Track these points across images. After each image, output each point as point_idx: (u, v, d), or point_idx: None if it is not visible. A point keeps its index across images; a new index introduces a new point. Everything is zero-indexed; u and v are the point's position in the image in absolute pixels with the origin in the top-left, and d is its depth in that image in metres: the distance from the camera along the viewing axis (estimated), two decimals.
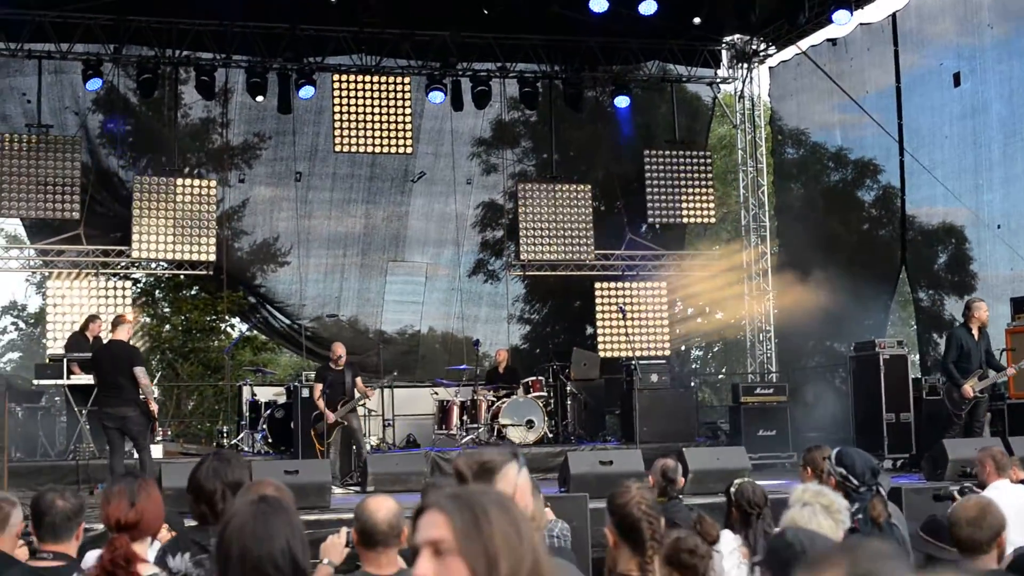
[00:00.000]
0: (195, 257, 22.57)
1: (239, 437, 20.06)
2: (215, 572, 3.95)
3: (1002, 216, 20.42)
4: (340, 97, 23.48)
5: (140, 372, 15.26)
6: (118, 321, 16.13)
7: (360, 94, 23.56)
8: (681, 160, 24.78)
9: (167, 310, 29.17)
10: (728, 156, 32.77)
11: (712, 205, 25.09)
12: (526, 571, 2.73)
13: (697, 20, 23.10)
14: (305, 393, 18.32)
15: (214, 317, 27.25)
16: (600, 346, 24.46)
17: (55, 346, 21.10)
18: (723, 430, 22.60)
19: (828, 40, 24.06)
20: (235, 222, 25.23)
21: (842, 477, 7.47)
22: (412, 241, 25.99)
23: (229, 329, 29.21)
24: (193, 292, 27.89)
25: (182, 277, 25.85)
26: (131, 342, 16.37)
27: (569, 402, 21.34)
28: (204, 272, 23.31)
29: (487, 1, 21.54)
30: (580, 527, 11.48)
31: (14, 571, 6.33)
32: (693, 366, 36.77)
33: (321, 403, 17.49)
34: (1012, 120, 20.26)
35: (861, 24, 23.24)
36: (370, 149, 23.89)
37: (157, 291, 29.13)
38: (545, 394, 20.66)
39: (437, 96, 23.44)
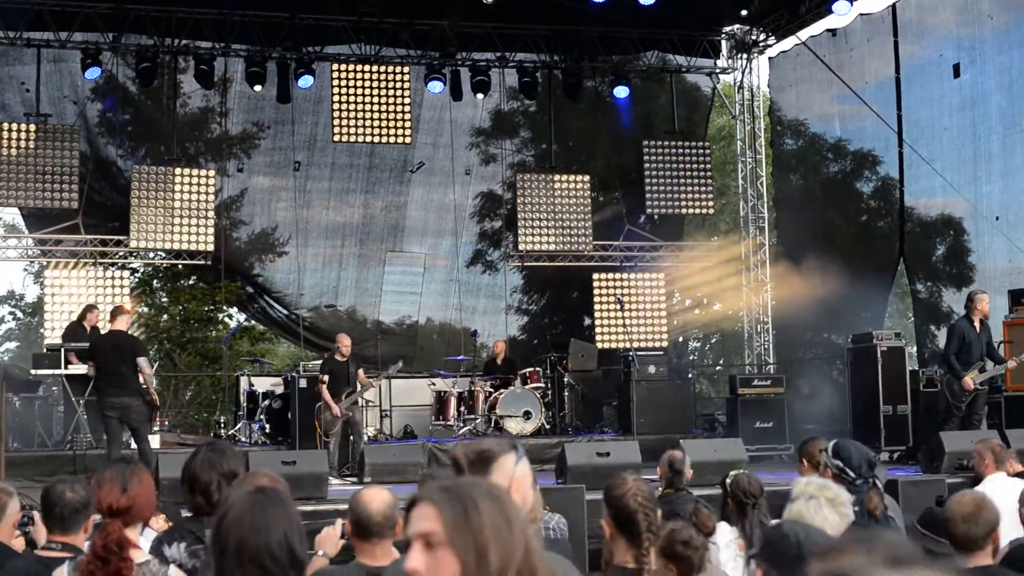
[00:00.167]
0: (193, 247, 22.56)
1: (237, 427, 20.03)
2: (211, 563, 3.94)
3: (1001, 208, 20.42)
4: (339, 87, 23.47)
5: (143, 362, 15.37)
6: (117, 311, 16.14)
7: (359, 84, 23.54)
8: (680, 151, 24.75)
9: (165, 300, 29.17)
10: (727, 147, 32.77)
11: (711, 196, 25.07)
12: (517, 562, 2.73)
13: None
14: (303, 384, 18.30)
15: (212, 307, 27.25)
16: (598, 337, 24.46)
17: (53, 336, 21.09)
18: (720, 422, 22.61)
19: (828, 31, 24.03)
20: (233, 212, 25.21)
21: (838, 469, 7.47)
22: (411, 231, 25.98)
23: (227, 319, 29.20)
24: (191, 282, 27.88)
25: (180, 267, 25.82)
26: (129, 332, 16.40)
27: (566, 393, 21.33)
28: (202, 262, 23.29)
29: None
30: (577, 518, 11.46)
31: (22, 561, 6.34)
32: (691, 358, 36.80)
33: (327, 396, 17.44)
34: (1012, 111, 20.25)
35: (861, 14, 23.22)
36: (369, 139, 23.87)
37: (155, 281, 29.11)
38: (542, 385, 20.67)
39: (436, 86, 23.43)
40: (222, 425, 20.77)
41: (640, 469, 13.82)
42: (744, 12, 23.66)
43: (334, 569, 6.12)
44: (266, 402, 19.78)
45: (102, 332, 17.70)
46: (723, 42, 25.66)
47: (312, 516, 11.02)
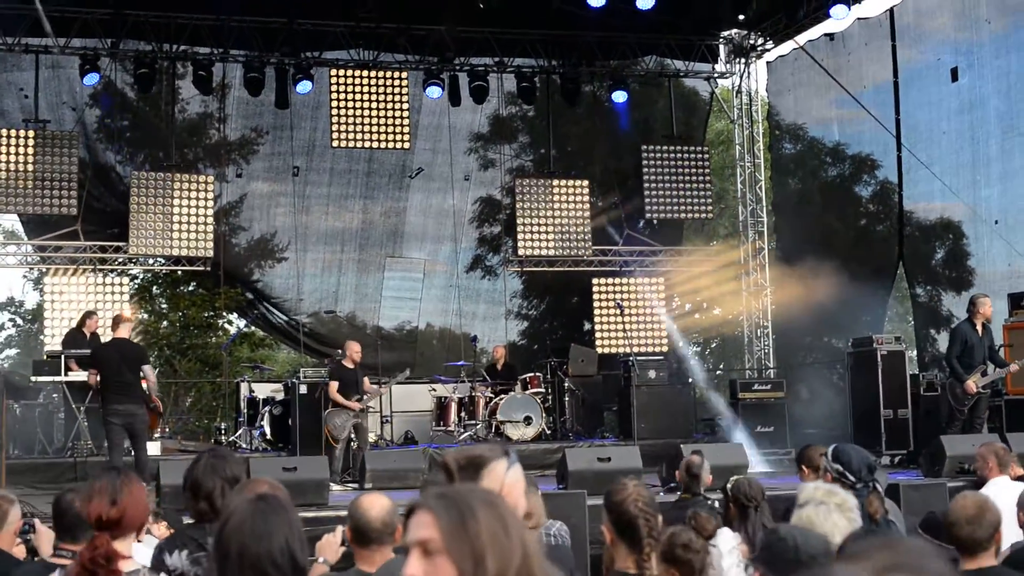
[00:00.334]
0: (192, 253, 22.54)
1: (237, 434, 20.02)
2: (213, 570, 3.94)
3: (999, 212, 20.42)
4: (337, 92, 23.45)
5: (149, 370, 15.50)
6: (119, 319, 16.13)
7: (357, 89, 23.53)
8: (678, 155, 24.74)
9: (164, 306, 29.19)
10: (725, 151, 32.76)
11: (710, 200, 25.07)
12: (515, 569, 2.74)
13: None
14: (303, 390, 18.28)
15: (212, 313, 27.25)
16: (598, 342, 24.45)
17: (53, 343, 21.07)
18: (720, 426, 22.60)
19: (826, 35, 24.07)
20: (232, 217, 25.21)
21: (838, 474, 7.48)
22: (410, 237, 26.00)
23: (227, 325, 29.20)
24: (191, 288, 27.89)
25: (179, 273, 25.85)
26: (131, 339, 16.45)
27: (567, 398, 21.33)
28: (201, 268, 23.29)
29: None
30: (578, 524, 11.46)
31: (31, 566, 6.33)
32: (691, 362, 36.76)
33: (340, 398, 17.40)
34: (1010, 115, 20.26)
35: (859, 19, 23.23)
36: (368, 144, 23.85)
37: (155, 287, 29.12)
38: (543, 390, 20.66)
39: (434, 91, 23.44)
40: (223, 431, 20.76)
41: (641, 474, 13.84)
42: (742, 16, 23.63)
43: None
44: (266, 408, 19.77)
45: (104, 340, 17.73)
46: (721, 47, 25.68)
47: (313, 523, 11.03)
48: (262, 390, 20.53)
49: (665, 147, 24.74)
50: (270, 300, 25.58)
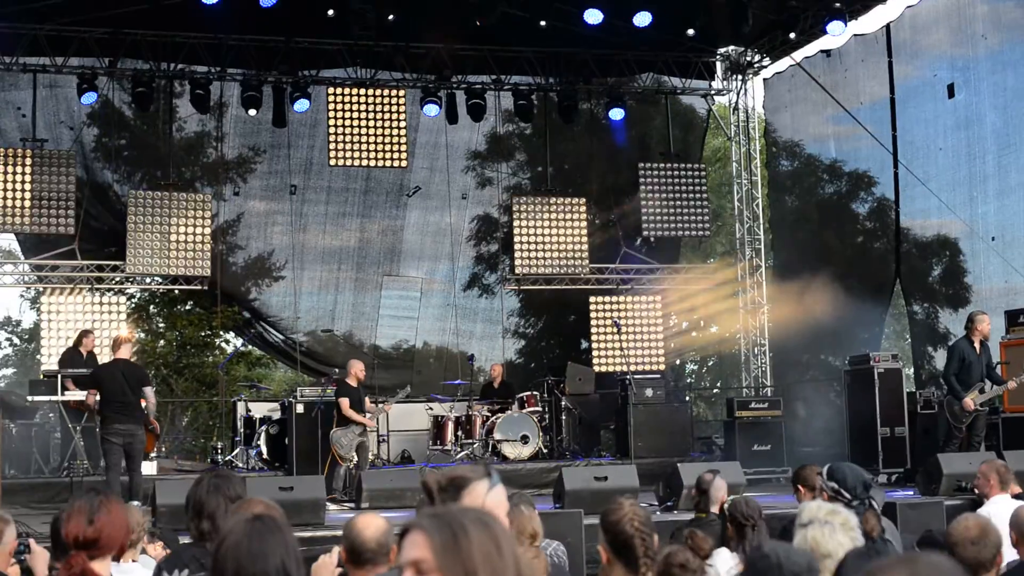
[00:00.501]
0: (190, 272, 22.51)
1: (234, 453, 19.98)
2: None
3: (996, 228, 20.42)
4: (335, 110, 23.47)
5: (150, 392, 15.72)
6: (120, 340, 16.19)
7: (355, 107, 23.56)
8: (675, 173, 24.73)
9: (161, 325, 29.17)
10: (722, 168, 32.78)
11: (707, 218, 25.03)
12: None
13: (691, 32, 23.17)
14: (300, 409, 18.27)
15: (208, 332, 27.24)
16: (595, 360, 24.42)
17: (49, 362, 21.05)
18: (718, 445, 22.60)
19: (822, 51, 24.10)
20: (230, 236, 25.22)
21: (834, 492, 7.47)
22: (407, 255, 26.00)
23: (224, 344, 29.19)
24: (188, 307, 27.88)
25: (177, 292, 25.83)
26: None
27: (564, 417, 21.31)
28: (198, 287, 23.27)
29: (481, 13, 21.51)
30: (575, 543, 11.45)
31: None
32: (688, 380, 36.78)
33: (354, 414, 17.41)
34: (1006, 132, 20.27)
35: (855, 35, 23.26)
36: (365, 162, 23.88)
37: (151, 306, 29.11)
38: (540, 409, 20.65)
39: (432, 109, 23.46)
40: (219, 451, 20.74)
41: (638, 493, 13.83)
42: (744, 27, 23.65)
43: None
44: (263, 427, 19.75)
45: (102, 360, 17.80)
46: (718, 63, 25.71)
47: (309, 542, 11.01)
48: (259, 409, 20.51)
49: (662, 164, 24.73)
50: (267, 319, 25.56)
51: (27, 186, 21.46)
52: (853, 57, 23.54)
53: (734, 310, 25.76)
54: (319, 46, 23.11)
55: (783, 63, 25.14)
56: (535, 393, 20.94)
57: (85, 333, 19.41)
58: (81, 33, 21.65)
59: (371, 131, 23.57)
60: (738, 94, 25.80)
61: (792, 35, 23.00)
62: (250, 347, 28.07)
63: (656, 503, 14.75)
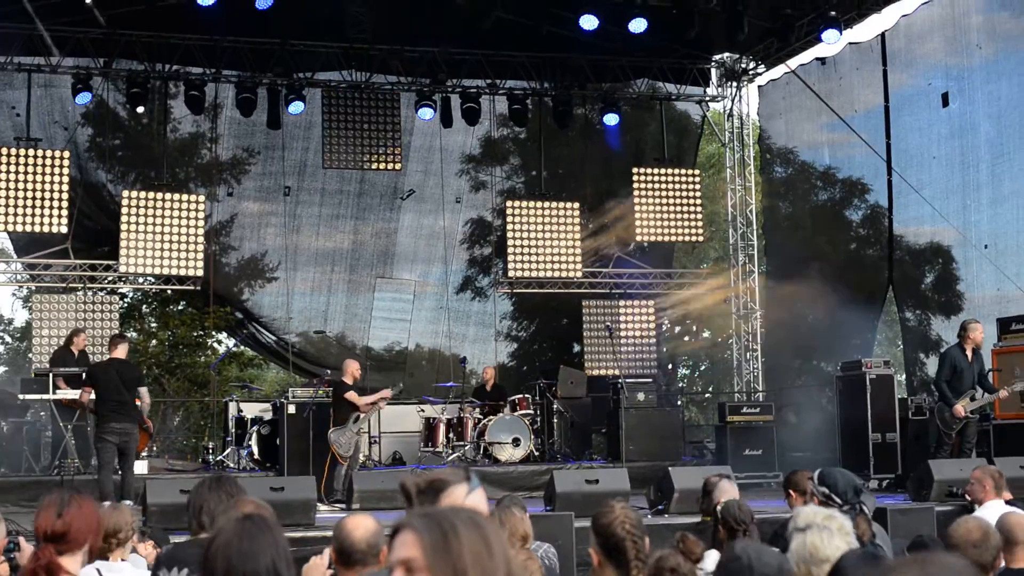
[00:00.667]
0: (183, 272, 22.44)
1: (225, 453, 19.95)
2: None
3: (989, 236, 20.44)
4: (329, 113, 23.51)
5: (145, 392, 15.89)
6: (118, 339, 16.23)
7: (349, 110, 23.58)
8: (669, 178, 24.71)
9: (154, 325, 29.13)
10: (716, 174, 32.81)
11: (700, 224, 25.01)
12: None
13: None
14: (291, 410, 18.22)
15: (201, 332, 27.21)
16: (587, 364, 24.44)
17: (41, 361, 21.03)
18: (709, 449, 22.61)
19: (817, 59, 24.12)
20: (223, 237, 25.21)
21: (824, 497, 7.48)
22: (400, 258, 26.00)
23: (216, 345, 29.16)
24: (180, 307, 27.85)
25: (169, 292, 25.78)
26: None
27: (555, 420, 21.32)
28: (191, 287, 23.23)
29: (477, 18, 21.52)
30: (566, 546, 11.46)
31: None
32: (680, 385, 36.78)
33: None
34: (1000, 140, 20.30)
35: (850, 43, 23.30)
36: (359, 165, 23.89)
37: (144, 306, 29.07)
38: (532, 412, 20.63)
39: (426, 112, 23.44)
40: (210, 451, 20.70)
41: (629, 496, 13.84)
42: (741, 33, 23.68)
43: None
44: (254, 428, 19.72)
45: (100, 360, 17.85)
46: (713, 70, 25.74)
47: (300, 543, 11.01)
48: (250, 410, 20.48)
49: (656, 170, 24.71)
50: (259, 320, 25.56)
51: (21, 185, 21.42)
52: (848, 65, 23.57)
53: (727, 315, 25.81)
54: (314, 48, 23.11)
55: (778, 70, 25.20)
56: (527, 396, 20.93)
57: (76, 332, 19.41)
58: (76, 33, 21.60)
59: (365, 134, 23.59)
60: (733, 101, 25.84)
61: (787, 43, 23.00)
62: (242, 348, 28.05)
63: (647, 507, 14.75)
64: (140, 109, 22.97)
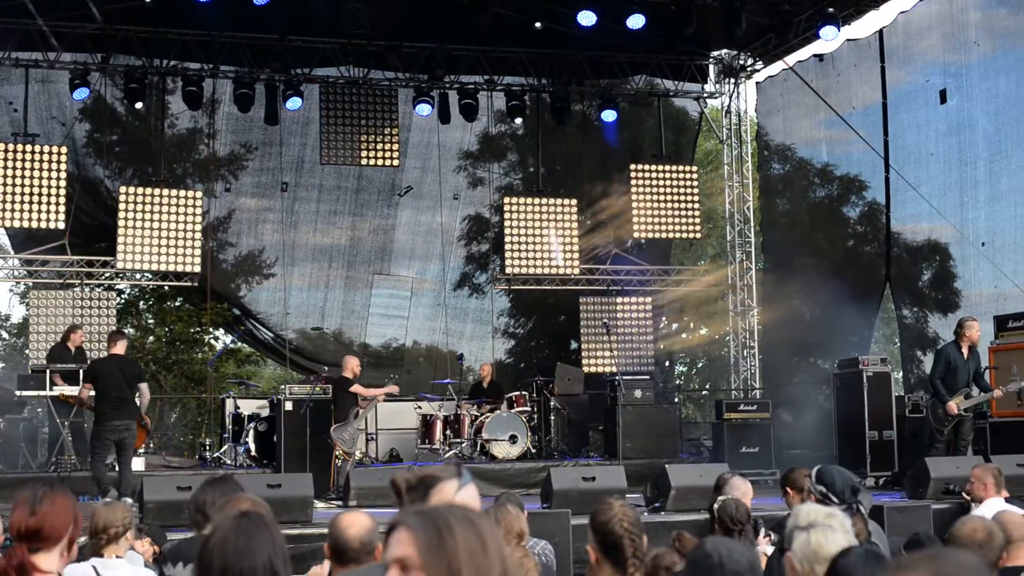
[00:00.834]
0: (180, 268, 22.42)
1: (222, 450, 19.92)
2: None
3: (987, 234, 20.45)
4: (327, 109, 23.49)
5: (145, 388, 16.02)
6: (117, 336, 16.26)
7: (347, 106, 23.56)
8: (667, 175, 24.70)
9: (151, 321, 29.13)
10: (714, 171, 32.83)
11: (698, 220, 24.98)
12: None
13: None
14: (288, 406, 18.20)
15: (198, 329, 27.20)
16: (584, 361, 24.42)
17: (38, 357, 21.01)
18: (706, 446, 22.62)
19: (815, 56, 24.12)
20: (220, 233, 25.20)
21: (822, 495, 7.48)
22: (398, 254, 25.99)
23: (213, 341, 29.16)
24: (177, 303, 27.84)
25: (166, 288, 25.79)
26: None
27: (553, 417, 21.30)
28: (189, 283, 23.22)
29: (474, 13, 21.49)
30: (562, 543, 11.45)
31: None
32: (677, 382, 36.81)
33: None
34: (998, 138, 20.30)
35: (848, 40, 23.31)
36: (357, 161, 23.88)
37: (141, 302, 29.06)
38: (529, 409, 20.61)
39: (424, 108, 23.43)
40: (207, 447, 20.69)
41: (626, 494, 13.83)
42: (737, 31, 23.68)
43: None
44: (251, 424, 19.70)
45: (93, 355, 17.85)
46: (711, 67, 25.72)
47: (297, 540, 11.00)
48: (247, 406, 20.44)
49: (654, 166, 24.69)
50: (256, 316, 25.54)
51: (18, 181, 21.39)
52: (846, 62, 23.58)
53: (724, 312, 25.82)
54: (312, 44, 23.09)
55: (776, 67, 25.22)
56: (524, 393, 20.90)
57: (73, 328, 19.39)
58: (74, 29, 21.58)
59: (363, 130, 23.58)
60: (730, 97, 25.83)
61: (785, 39, 22.99)
62: (239, 344, 28.04)
63: (643, 504, 14.75)
64: (138, 105, 22.90)
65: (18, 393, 18.80)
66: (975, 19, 20.79)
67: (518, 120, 24.76)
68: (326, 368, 21.55)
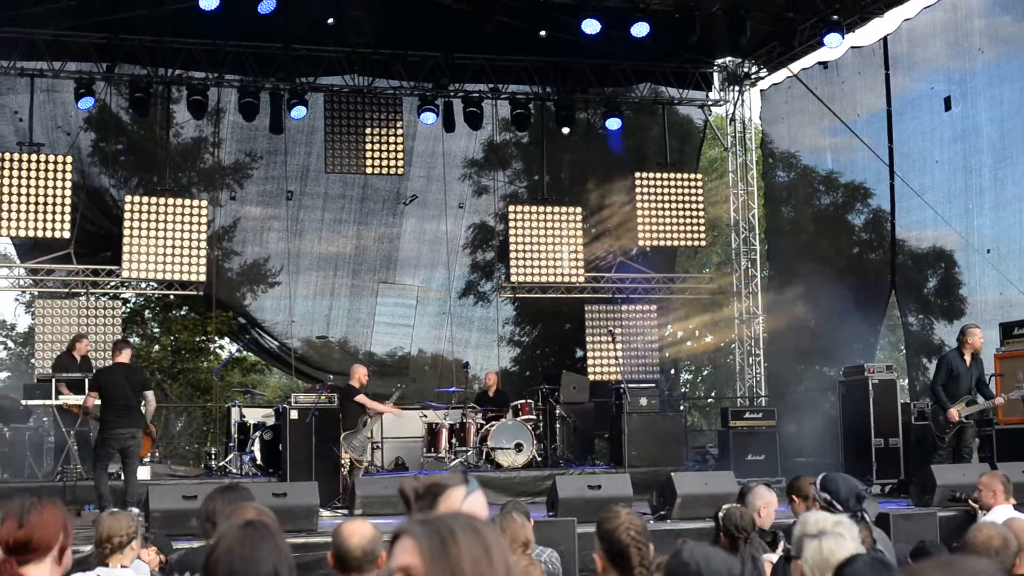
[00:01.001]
0: (185, 277, 22.41)
1: (227, 459, 19.93)
2: None
3: (992, 241, 20.43)
4: (332, 117, 23.49)
5: (151, 396, 15.97)
6: (122, 344, 16.26)
7: (352, 115, 23.57)
8: (672, 183, 24.68)
9: (156, 330, 29.12)
10: (719, 179, 32.82)
11: (703, 228, 24.97)
12: None
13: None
14: (294, 415, 18.20)
15: (203, 338, 27.20)
16: (590, 369, 24.39)
17: (44, 366, 21.02)
18: (712, 454, 22.58)
19: (819, 63, 24.12)
20: (226, 242, 25.22)
21: (826, 503, 7.46)
22: (403, 263, 25.99)
23: (218, 350, 29.16)
24: (183, 312, 27.84)
25: (172, 297, 25.79)
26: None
27: (558, 425, 21.29)
28: (194, 292, 23.23)
29: (479, 22, 21.51)
30: (568, 551, 11.45)
31: None
32: (682, 390, 36.77)
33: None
34: (1002, 145, 20.29)
35: (852, 47, 23.31)
36: (362, 170, 23.88)
37: (147, 311, 29.06)
38: (534, 417, 20.60)
39: (429, 117, 23.42)
40: (213, 456, 20.67)
41: (631, 502, 13.81)
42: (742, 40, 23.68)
43: None
44: (257, 433, 19.70)
45: (104, 365, 17.89)
46: (715, 74, 25.73)
47: (302, 548, 11.01)
48: (253, 415, 20.44)
49: (658, 174, 24.67)
50: (262, 325, 25.55)
51: (23, 190, 21.41)
52: (850, 69, 23.57)
53: (729, 320, 25.81)
54: (317, 53, 23.11)
55: (780, 74, 25.21)
56: (530, 401, 20.90)
57: (79, 337, 19.41)
58: (79, 38, 21.61)
59: (368, 138, 23.58)
60: (735, 105, 25.84)
61: (789, 47, 23.00)
62: (245, 353, 28.04)
63: (649, 512, 14.73)
64: (144, 114, 22.93)
65: (24, 402, 18.81)
66: (979, 26, 20.79)
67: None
68: (331, 377, 21.54)
